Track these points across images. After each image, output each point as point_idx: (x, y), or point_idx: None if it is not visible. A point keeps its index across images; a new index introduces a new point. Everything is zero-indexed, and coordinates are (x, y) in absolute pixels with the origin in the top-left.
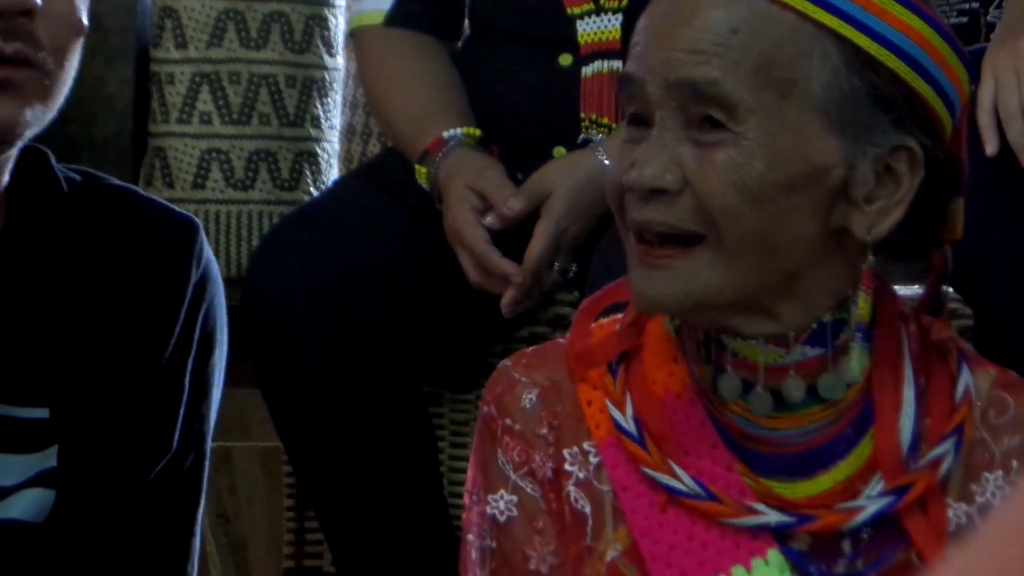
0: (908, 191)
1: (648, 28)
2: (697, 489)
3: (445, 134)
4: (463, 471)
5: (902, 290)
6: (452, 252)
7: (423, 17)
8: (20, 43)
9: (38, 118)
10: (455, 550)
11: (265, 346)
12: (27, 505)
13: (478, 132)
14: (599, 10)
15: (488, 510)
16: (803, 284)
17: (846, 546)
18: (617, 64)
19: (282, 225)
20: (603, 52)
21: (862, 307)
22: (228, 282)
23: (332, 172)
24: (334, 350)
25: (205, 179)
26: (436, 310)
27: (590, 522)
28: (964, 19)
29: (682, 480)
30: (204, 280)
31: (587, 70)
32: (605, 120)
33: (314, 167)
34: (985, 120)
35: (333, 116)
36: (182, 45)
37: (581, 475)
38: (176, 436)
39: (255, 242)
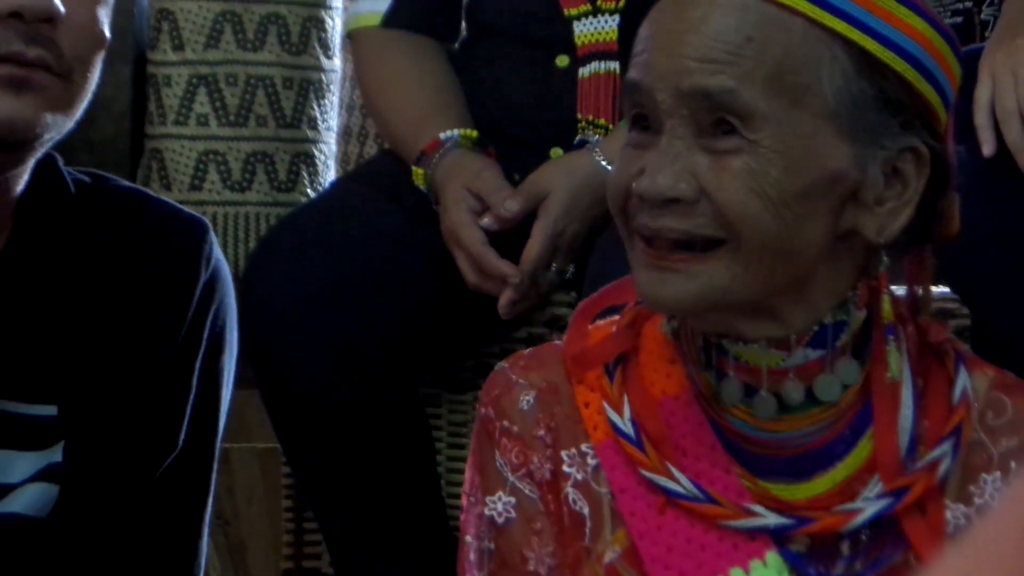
0: (916, 191)
1: (655, 35)
2: (695, 491)
3: (442, 135)
4: (461, 472)
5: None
6: (449, 253)
7: (420, 18)
8: (42, 49)
9: (58, 125)
10: (453, 551)
11: (263, 347)
12: (30, 500)
13: (475, 133)
14: (596, 11)
15: (486, 511)
16: (810, 286)
17: (844, 548)
18: (614, 65)
19: (279, 227)
20: (600, 53)
21: (886, 308)
22: None
23: (329, 174)
24: (331, 351)
25: (202, 181)
26: (433, 311)
27: (588, 524)
28: (959, 19)
29: (680, 482)
30: (214, 280)
31: (584, 71)
32: (602, 121)
33: (311, 169)
34: (982, 120)
35: (330, 118)
36: (179, 47)
37: (579, 477)
38: (182, 435)
39: (252, 244)
